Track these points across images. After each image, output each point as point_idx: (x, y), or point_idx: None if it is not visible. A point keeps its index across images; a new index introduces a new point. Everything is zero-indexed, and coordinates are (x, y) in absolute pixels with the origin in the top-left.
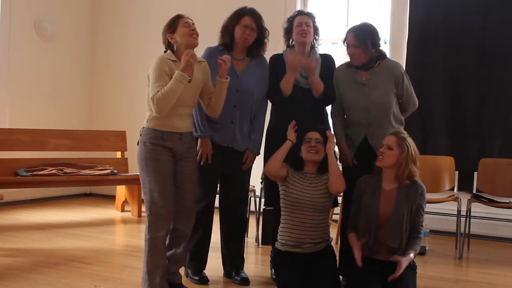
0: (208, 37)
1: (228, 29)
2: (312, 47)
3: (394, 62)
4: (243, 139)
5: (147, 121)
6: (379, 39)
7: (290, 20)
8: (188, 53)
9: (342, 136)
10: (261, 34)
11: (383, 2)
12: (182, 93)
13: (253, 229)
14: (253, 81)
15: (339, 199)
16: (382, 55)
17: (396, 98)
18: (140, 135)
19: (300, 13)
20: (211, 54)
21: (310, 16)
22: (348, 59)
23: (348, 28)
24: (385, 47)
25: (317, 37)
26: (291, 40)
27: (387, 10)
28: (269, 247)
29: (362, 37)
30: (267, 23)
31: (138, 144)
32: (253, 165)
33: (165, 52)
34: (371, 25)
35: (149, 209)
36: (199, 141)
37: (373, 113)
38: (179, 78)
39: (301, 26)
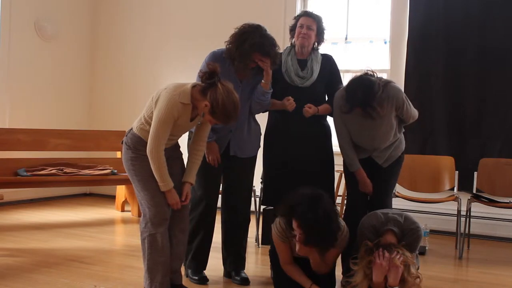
0: (208, 37)
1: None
2: (314, 49)
3: (395, 90)
4: (239, 146)
5: (137, 127)
6: (377, 91)
7: (296, 19)
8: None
9: (357, 163)
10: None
11: (382, 2)
12: (178, 129)
13: (253, 229)
14: (251, 89)
15: (338, 199)
16: (384, 85)
17: (397, 117)
18: (126, 135)
19: (305, 14)
20: (216, 59)
21: (314, 18)
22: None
23: (349, 100)
24: (385, 47)
25: (320, 40)
26: (293, 39)
27: (387, 10)
28: (269, 247)
29: (370, 106)
30: (266, 23)
31: (122, 143)
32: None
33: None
34: (368, 91)
35: (147, 207)
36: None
37: (378, 141)
38: (160, 184)
39: (302, 28)
